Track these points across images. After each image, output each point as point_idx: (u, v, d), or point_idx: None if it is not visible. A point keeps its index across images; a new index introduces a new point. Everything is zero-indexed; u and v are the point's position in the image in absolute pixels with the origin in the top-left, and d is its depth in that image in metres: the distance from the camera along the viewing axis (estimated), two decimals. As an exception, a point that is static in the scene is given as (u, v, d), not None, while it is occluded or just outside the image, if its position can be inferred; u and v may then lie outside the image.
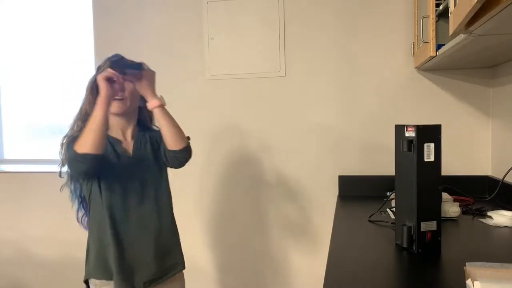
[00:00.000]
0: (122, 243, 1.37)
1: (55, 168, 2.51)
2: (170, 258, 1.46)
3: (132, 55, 2.19)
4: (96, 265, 1.40)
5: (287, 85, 2.12)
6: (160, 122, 1.34)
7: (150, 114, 1.47)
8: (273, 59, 2.12)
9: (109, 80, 1.26)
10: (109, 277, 1.38)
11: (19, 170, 2.53)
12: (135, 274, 1.39)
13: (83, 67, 2.46)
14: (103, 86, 1.24)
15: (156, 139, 1.46)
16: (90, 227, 1.44)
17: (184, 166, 1.47)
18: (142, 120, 1.50)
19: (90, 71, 2.32)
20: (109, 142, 1.36)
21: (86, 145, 1.19)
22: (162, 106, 1.32)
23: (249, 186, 2.19)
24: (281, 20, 2.10)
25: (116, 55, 1.37)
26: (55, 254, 2.42)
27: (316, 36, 2.08)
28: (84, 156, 1.20)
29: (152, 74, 1.34)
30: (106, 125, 1.23)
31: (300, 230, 2.14)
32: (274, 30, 2.11)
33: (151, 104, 1.32)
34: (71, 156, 1.24)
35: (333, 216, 1.66)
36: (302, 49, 2.09)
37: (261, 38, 2.12)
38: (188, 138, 1.40)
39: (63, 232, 2.40)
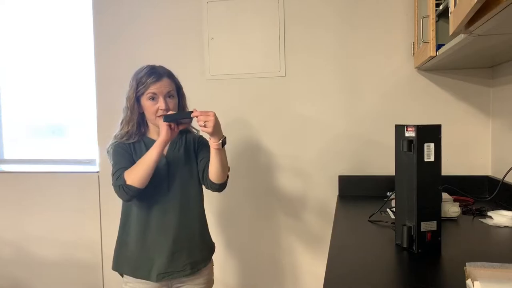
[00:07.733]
0: (143, 235, 1.46)
1: (55, 168, 2.53)
2: (184, 256, 1.49)
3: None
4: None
5: (287, 85, 2.12)
6: (212, 159, 1.41)
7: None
8: (273, 59, 2.12)
9: (169, 126, 1.38)
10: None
11: (19, 170, 2.53)
12: (153, 265, 1.46)
13: (83, 67, 2.46)
14: (164, 131, 1.37)
15: (193, 140, 1.55)
16: (120, 217, 1.53)
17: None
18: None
19: (90, 71, 2.35)
20: (143, 142, 1.48)
21: (136, 179, 1.36)
22: (219, 148, 1.38)
23: (248, 186, 2.19)
24: (281, 20, 2.10)
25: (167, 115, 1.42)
26: (55, 254, 2.42)
27: (316, 36, 2.08)
28: (130, 187, 1.36)
29: (208, 114, 1.34)
30: (156, 164, 1.36)
31: (300, 230, 2.14)
32: (274, 30, 2.11)
33: (211, 144, 1.39)
34: (119, 183, 1.38)
35: (333, 216, 1.66)
36: (302, 49, 2.09)
37: (261, 38, 2.12)
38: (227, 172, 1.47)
39: (63, 232, 2.40)
